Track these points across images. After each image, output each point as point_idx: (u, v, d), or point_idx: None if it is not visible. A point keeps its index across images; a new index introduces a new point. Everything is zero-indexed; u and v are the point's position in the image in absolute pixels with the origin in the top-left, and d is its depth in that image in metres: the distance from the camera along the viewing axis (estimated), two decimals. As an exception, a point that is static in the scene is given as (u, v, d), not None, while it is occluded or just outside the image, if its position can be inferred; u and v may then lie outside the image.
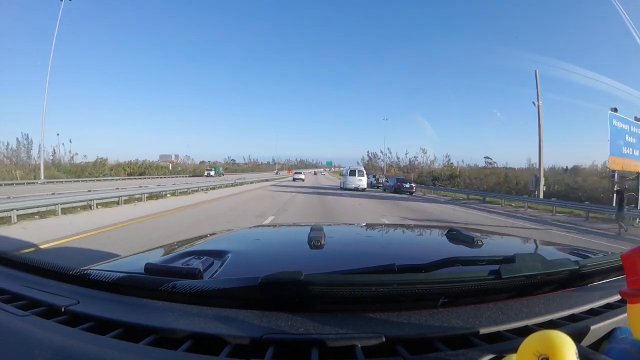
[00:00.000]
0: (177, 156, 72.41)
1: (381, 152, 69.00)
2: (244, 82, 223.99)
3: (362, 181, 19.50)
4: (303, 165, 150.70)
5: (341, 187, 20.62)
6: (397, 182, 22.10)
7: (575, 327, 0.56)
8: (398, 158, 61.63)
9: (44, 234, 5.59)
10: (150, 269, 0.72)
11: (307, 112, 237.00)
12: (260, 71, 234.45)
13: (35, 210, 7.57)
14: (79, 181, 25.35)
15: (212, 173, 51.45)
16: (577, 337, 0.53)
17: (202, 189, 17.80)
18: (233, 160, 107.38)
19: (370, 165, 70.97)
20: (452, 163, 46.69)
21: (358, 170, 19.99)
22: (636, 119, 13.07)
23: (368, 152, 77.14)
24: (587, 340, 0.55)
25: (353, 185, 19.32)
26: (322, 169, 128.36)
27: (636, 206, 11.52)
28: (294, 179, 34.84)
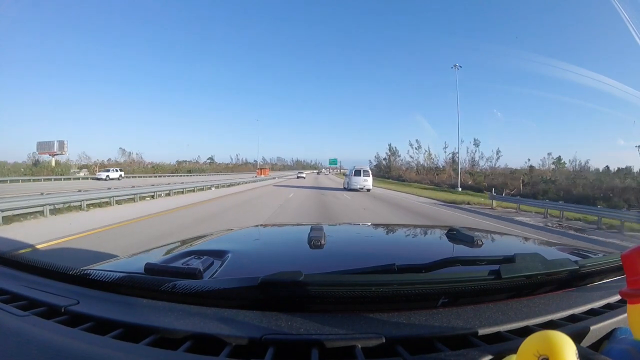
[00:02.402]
0: (61, 143, 39.74)
1: (411, 145, 52.18)
2: (233, 77, 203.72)
3: (368, 181, 19.51)
4: (300, 166, 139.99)
5: (345, 188, 20.71)
6: None
7: (575, 327, 0.56)
8: (431, 155, 47.97)
9: None
10: (150, 269, 0.72)
11: (306, 111, 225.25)
12: (250, 66, 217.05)
13: None
14: None
15: None
16: (577, 337, 0.53)
17: None
18: (211, 159, 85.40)
19: (390, 166, 57.60)
20: (560, 158, 31.82)
21: (363, 170, 20.00)
22: None
23: (389, 144, 62.04)
24: (587, 341, 0.55)
25: (358, 186, 19.31)
26: (326, 169, 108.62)
27: None
28: (298, 177, 44.48)
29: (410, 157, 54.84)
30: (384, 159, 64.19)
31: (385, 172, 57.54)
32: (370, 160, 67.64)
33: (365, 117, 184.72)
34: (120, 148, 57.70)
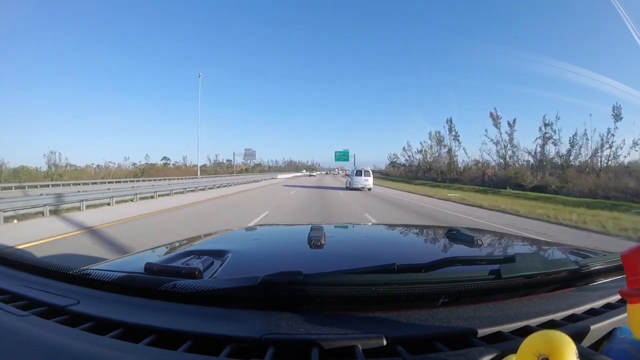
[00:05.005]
0: None
1: (494, 118, 29.57)
2: (225, 75, 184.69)
3: (368, 181, 20.33)
4: (294, 167, 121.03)
5: (347, 187, 21.59)
6: None
7: (575, 327, 0.56)
8: (508, 145, 29.20)
9: None
10: (150, 268, 0.72)
11: (305, 109, 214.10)
12: (246, 64, 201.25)
13: None
14: None
15: None
16: (577, 337, 0.53)
17: None
18: (166, 158, 61.98)
19: (440, 164, 39.05)
20: None
21: (364, 171, 20.95)
22: None
23: (449, 119, 40.14)
24: (587, 340, 0.55)
25: (359, 185, 20.17)
26: (337, 169, 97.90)
27: None
28: (309, 175, 58.51)
29: (485, 143, 33.69)
30: (419, 151, 45.98)
31: (426, 172, 40.99)
32: (395, 154, 58.61)
33: (372, 114, 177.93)
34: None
